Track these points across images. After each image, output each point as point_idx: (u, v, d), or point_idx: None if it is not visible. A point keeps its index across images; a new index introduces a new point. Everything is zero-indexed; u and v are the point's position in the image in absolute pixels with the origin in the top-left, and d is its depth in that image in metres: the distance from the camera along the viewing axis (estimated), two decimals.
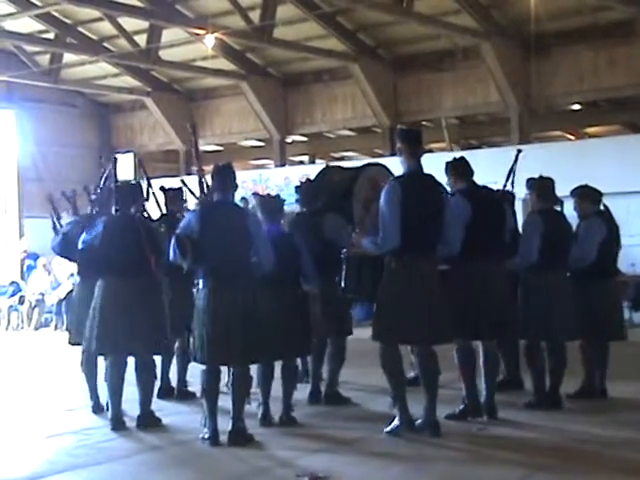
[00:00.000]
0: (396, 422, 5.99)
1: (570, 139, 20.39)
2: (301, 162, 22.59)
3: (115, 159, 6.80)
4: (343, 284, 6.39)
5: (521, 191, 7.20)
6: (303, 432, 6.34)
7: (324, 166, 8.41)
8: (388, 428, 6.03)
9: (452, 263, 6.28)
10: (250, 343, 5.86)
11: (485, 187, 6.63)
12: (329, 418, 6.83)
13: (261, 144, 22.28)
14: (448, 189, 6.47)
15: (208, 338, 5.83)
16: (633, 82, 15.98)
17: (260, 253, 6.00)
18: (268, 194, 6.87)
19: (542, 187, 6.91)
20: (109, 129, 23.01)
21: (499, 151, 17.91)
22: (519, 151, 6.92)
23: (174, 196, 8.13)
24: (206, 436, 5.96)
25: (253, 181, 18.51)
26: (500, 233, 6.51)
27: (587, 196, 7.35)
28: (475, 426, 6.30)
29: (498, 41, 16.42)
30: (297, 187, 7.42)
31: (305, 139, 21.81)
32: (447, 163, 6.59)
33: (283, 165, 20.50)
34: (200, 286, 5.93)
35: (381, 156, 19.54)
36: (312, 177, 8.05)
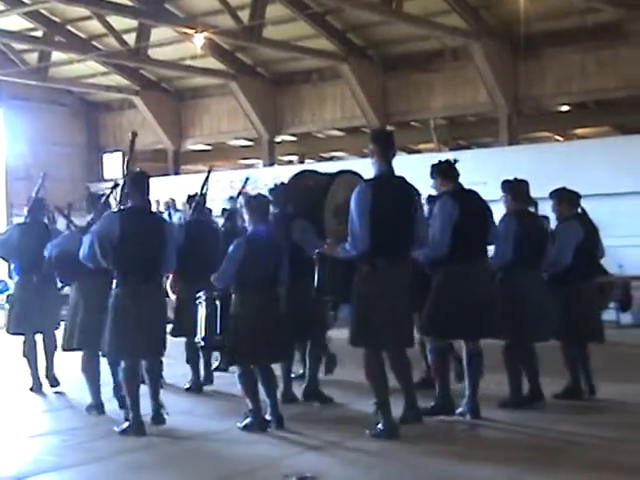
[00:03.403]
0: (380, 427, 5.98)
1: (558, 140, 20.46)
2: (290, 162, 22.59)
3: (116, 185, 6.80)
4: (316, 285, 6.38)
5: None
6: (289, 433, 6.29)
7: (299, 170, 8.48)
8: (371, 432, 6.01)
9: (438, 263, 6.31)
10: (159, 338, 6.40)
11: (470, 190, 6.64)
12: (315, 419, 6.82)
13: (250, 144, 22.26)
14: (434, 192, 6.49)
15: (126, 335, 6.20)
16: (621, 84, 16.04)
17: (167, 257, 6.43)
18: (258, 193, 6.86)
19: (517, 189, 7.00)
20: (97, 128, 22.96)
21: (487, 152, 18.02)
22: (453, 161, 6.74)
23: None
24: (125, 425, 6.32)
25: (241, 180, 18.44)
26: (485, 234, 6.56)
27: (565, 198, 7.41)
28: (461, 426, 6.31)
29: (487, 42, 16.46)
30: (271, 189, 7.52)
31: (294, 139, 21.80)
32: (433, 165, 6.60)
33: (272, 165, 20.48)
34: (114, 286, 6.26)
35: (371, 155, 19.54)
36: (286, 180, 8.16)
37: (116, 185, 6.96)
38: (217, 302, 6.40)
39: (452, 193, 6.42)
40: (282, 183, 7.99)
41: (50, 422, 7.12)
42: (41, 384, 8.48)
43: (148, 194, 6.43)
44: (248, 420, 6.35)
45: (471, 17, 16.22)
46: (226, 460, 5.65)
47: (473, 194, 6.63)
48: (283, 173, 18.71)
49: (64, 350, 7.33)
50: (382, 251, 5.86)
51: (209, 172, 8.45)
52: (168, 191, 17.06)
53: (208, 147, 23.19)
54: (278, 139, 21.11)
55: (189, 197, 9.02)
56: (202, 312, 6.48)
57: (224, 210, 10.92)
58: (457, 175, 6.54)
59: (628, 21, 15.46)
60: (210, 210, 9.91)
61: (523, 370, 7.00)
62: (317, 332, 7.42)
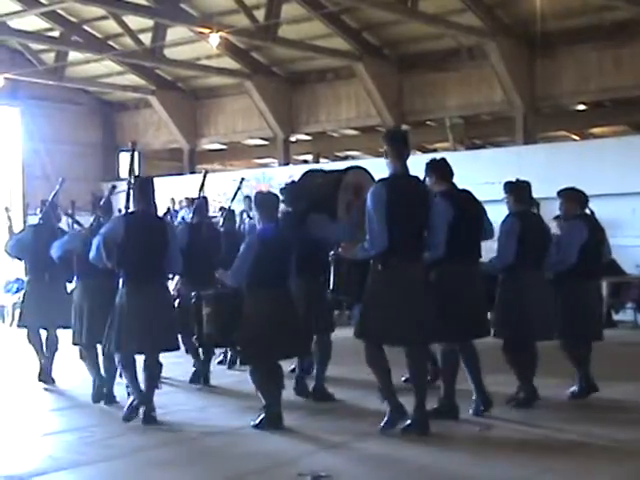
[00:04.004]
0: (388, 416, 6.02)
1: (575, 139, 20.36)
2: (305, 161, 22.60)
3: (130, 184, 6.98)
4: (332, 285, 6.44)
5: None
6: (302, 430, 6.33)
7: (307, 169, 8.68)
8: (382, 424, 6.05)
9: (433, 265, 6.34)
10: (160, 336, 6.60)
11: (464, 190, 6.66)
12: (325, 417, 6.86)
13: (265, 143, 22.28)
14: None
15: (125, 330, 6.52)
16: (639, 82, 15.94)
17: (171, 259, 6.76)
18: (268, 191, 6.96)
19: (520, 190, 7.10)
20: (114, 127, 23.02)
21: (503, 151, 17.97)
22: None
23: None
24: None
25: (256, 179, 18.50)
26: (479, 235, 6.60)
27: (572, 198, 7.45)
28: (477, 428, 6.29)
29: (503, 40, 16.41)
30: (282, 188, 7.62)
31: (309, 138, 21.81)
32: (427, 164, 6.59)
33: (287, 164, 20.49)
34: (120, 286, 6.63)
35: (385, 155, 19.53)
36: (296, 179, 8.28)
37: (114, 187, 7.69)
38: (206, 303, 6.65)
39: (446, 194, 6.44)
40: (292, 181, 8.10)
41: (62, 419, 7.13)
42: (51, 372, 8.73)
43: (154, 199, 6.79)
44: (262, 417, 6.36)
45: (487, 16, 16.17)
46: (239, 458, 5.64)
47: (467, 194, 6.66)
48: (298, 172, 18.80)
49: (74, 344, 7.74)
50: (399, 250, 5.88)
51: (204, 175, 8.67)
52: (183, 190, 17.09)
53: (223, 146, 23.23)
54: (293, 138, 21.12)
55: (190, 200, 9.33)
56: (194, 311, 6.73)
57: (222, 209, 11.19)
58: (452, 175, 6.56)
59: None
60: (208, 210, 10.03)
61: (518, 374, 7.03)
62: (324, 330, 7.45)
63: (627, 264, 13.42)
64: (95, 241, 6.72)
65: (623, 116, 18.50)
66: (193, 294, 6.88)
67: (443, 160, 6.63)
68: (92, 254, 6.73)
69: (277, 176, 18.79)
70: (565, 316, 7.14)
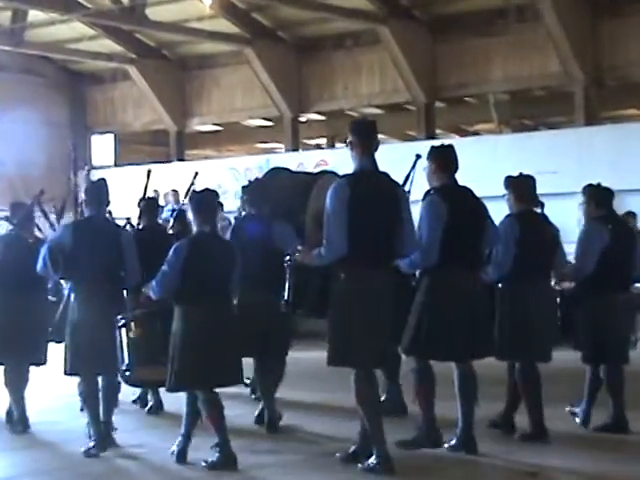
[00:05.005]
0: (373, 459, 6.13)
1: None
2: (318, 146, 22.62)
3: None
4: (286, 297, 6.63)
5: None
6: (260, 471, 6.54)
7: (272, 167, 9.03)
8: (364, 465, 6.18)
9: (423, 272, 6.62)
10: (114, 353, 6.93)
11: (463, 186, 6.78)
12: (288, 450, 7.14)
13: (269, 124, 22.29)
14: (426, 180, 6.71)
15: (79, 349, 6.95)
16: None
17: (128, 269, 7.21)
18: (206, 189, 7.22)
19: (522, 187, 7.27)
20: (84, 104, 23.03)
21: (560, 133, 17.91)
22: (418, 156, 7.17)
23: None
24: (92, 444, 6.96)
25: (259, 168, 18.50)
26: (478, 240, 6.74)
27: (592, 197, 7.61)
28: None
29: None
30: (244, 187, 8.12)
31: (323, 118, 21.81)
32: (432, 148, 6.82)
33: (296, 149, 20.49)
34: (72, 298, 7.11)
35: (415, 139, 19.51)
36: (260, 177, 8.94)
37: (42, 192, 8.31)
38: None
39: (442, 190, 6.59)
40: (257, 180, 8.64)
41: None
42: None
43: (107, 203, 7.31)
44: (216, 457, 6.47)
45: None
46: None
47: (466, 192, 6.78)
48: (309, 160, 18.80)
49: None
50: (362, 257, 6.07)
51: (149, 174, 9.09)
52: (170, 181, 17.06)
53: (218, 128, 23.25)
54: (303, 118, 21.11)
55: (176, 193, 9.62)
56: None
57: (173, 210, 11.39)
58: (455, 168, 6.73)
59: None
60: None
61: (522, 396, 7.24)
62: (279, 350, 7.90)
63: None
64: (42, 250, 7.22)
65: None
66: (120, 317, 7.05)
67: (450, 148, 6.80)
68: (39, 265, 7.24)
69: (284, 164, 18.78)
70: (584, 335, 7.43)
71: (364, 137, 6.30)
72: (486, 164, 14.18)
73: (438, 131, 20.06)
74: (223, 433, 6.46)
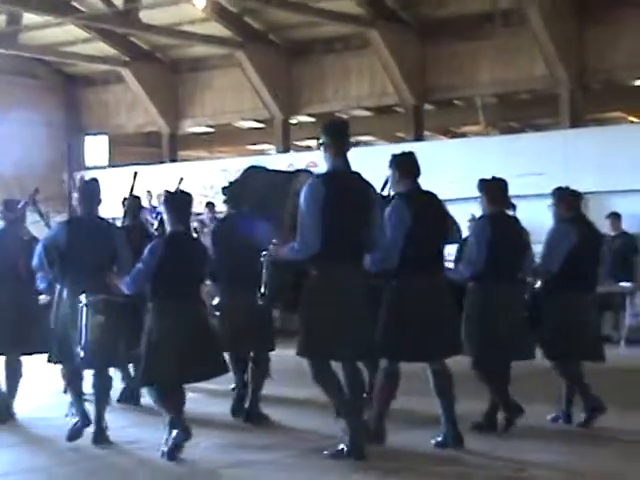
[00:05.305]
0: (341, 446, 6.28)
1: (633, 121, 20.40)
2: (308, 147, 22.64)
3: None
4: (263, 291, 6.68)
5: None
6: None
7: (249, 166, 9.11)
8: (337, 449, 6.32)
9: (387, 276, 6.65)
10: (113, 349, 7.03)
11: (428, 192, 6.89)
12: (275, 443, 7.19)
13: (261, 126, 22.35)
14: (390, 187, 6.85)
15: (70, 346, 7.00)
16: None
17: (122, 268, 7.24)
18: (178, 189, 7.59)
19: (494, 189, 7.36)
20: (78, 106, 23.08)
21: (546, 135, 17.99)
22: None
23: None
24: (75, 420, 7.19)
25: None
26: (441, 244, 6.91)
27: (562, 199, 7.73)
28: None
29: (547, 2, 16.41)
30: (224, 188, 8.34)
31: (313, 120, 21.82)
32: (392, 157, 6.89)
33: (287, 151, 20.54)
34: (64, 296, 7.18)
35: (404, 141, 19.60)
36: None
37: (37, 191, 8.57)
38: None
39: (405, 196, 6.71)
40: (236, 180, 8.78)
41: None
42: None
43: (98, 203, 7.42)
44: (173, 436, 6.50)
45: None
46: None
47: (430, 196, 6.89)
48: (300, 160, 18.83)
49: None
50: (334, 254, 6.21)
51: (135, 176, 8.92)
52: (163, 182, 17.11)
53: (210, 129, 23.29)
54: (294, 120, 21.18)
55: (123, 200, 9.68)
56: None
57: (209, 205, 11.29)
58: (418, 173, 6.83)
59: None
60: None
61: (493, 392, 7.33)
62: (262, 345, 8.02)
63: None
64: (38, 248, 7.45)
65: None
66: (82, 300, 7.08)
67: (411, 155, 6.89)
68: (34, 261, 7.46)
69: (275, 165, 18.85)
70: (551, 334, 7.51)
71: (337, 138, 6.42)
72: (473, 165, 14.16)
73: (426, 133, 20.15)
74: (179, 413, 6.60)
